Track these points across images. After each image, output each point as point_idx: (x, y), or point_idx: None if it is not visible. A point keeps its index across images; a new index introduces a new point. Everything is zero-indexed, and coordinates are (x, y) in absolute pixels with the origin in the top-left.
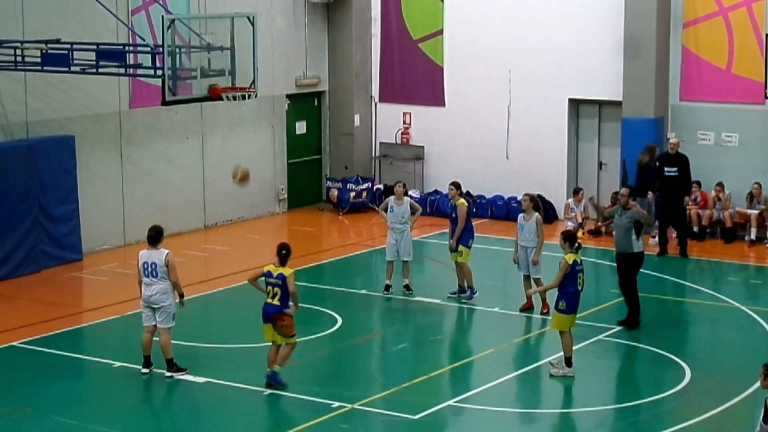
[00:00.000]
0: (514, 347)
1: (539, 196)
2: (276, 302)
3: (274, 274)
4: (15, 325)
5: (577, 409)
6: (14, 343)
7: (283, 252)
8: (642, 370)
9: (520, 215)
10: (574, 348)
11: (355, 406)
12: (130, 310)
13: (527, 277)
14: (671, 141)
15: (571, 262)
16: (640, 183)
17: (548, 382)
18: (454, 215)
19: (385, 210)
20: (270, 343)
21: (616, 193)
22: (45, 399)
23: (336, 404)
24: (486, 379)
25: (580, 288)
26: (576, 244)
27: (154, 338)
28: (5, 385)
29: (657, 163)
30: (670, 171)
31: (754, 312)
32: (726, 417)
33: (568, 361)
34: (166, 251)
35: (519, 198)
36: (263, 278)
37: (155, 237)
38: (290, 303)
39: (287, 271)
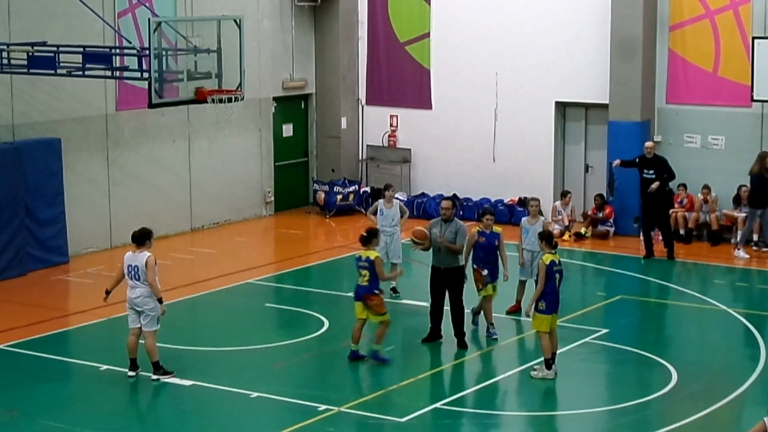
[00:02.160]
0: (500, 350)
1: (526, 198)
2: (365, 283)
3: (363, 257)
4: (1, 328)
5: (564, 412)
6: (0, 346)
7: (364, 234)
8: (628, 372)
9: (524, 219)
10: (560, 351)
11: (342, 409)
12: (116, 312)
13: (523, 282)
14: (646, 145)
15: (548, 263)
16: (753, 193)
17: (535, 385)
18: (496, 243)
19: (375, 213)
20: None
21: (600, 195)
22: (32, 402)
23: (323, 407)
24: (473, 382)
25: (557, 287)
26: (553, 243)
27: (140, 341)
28: None
29: (637, 160)
30: (648, 174)
31: (740, 315)
32: (713, 419)
33: (547, 363)
34: (148, 254)
35: (505, 201)
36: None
37: (139, 237)
38: (380, 286)
39: (373, 254)
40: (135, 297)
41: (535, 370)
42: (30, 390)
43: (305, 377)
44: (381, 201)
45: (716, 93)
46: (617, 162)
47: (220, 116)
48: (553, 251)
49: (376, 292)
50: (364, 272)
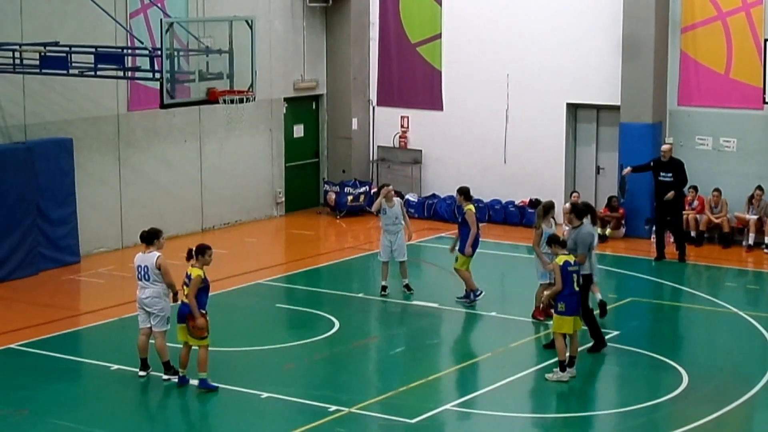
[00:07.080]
0: (511, 351)
1: (537, 200)
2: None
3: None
4: (12, 328)
5: (575, 414)
6: (11, 346)
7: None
8: (639, 374)
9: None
10: None
11: (352, 409)
12: (127, 312)
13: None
14: (663, 148)
15: (562, 264)
16: None
17: (545, 387)
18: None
19: (378, 212)
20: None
21: (613, 197)
22: (42, 402)
23: (333, 408)
24: (483, 383)
25: (576, 288)
26: (562, 241)
27: (151, 341)
28: (2, 387)
29: (651, 164)
30: (665, 176)
31: (751, 317)
32: (723, 422)
33: (562, 366)
34: (157, 254)
35: (516, 202)
36: None
37: (147, 237)
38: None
39: (195, 272)
40: (144, 297)
41: (551, 372)
42: (40, 389)
43: (316, 378)
44: (383, 200)
45: (728, 95)
46: (628, 170)
47: (231, 117)
48: (567, 252)
49: (203, 312)
50: (187, 289)
